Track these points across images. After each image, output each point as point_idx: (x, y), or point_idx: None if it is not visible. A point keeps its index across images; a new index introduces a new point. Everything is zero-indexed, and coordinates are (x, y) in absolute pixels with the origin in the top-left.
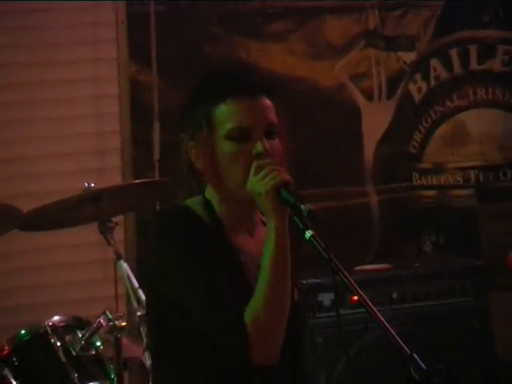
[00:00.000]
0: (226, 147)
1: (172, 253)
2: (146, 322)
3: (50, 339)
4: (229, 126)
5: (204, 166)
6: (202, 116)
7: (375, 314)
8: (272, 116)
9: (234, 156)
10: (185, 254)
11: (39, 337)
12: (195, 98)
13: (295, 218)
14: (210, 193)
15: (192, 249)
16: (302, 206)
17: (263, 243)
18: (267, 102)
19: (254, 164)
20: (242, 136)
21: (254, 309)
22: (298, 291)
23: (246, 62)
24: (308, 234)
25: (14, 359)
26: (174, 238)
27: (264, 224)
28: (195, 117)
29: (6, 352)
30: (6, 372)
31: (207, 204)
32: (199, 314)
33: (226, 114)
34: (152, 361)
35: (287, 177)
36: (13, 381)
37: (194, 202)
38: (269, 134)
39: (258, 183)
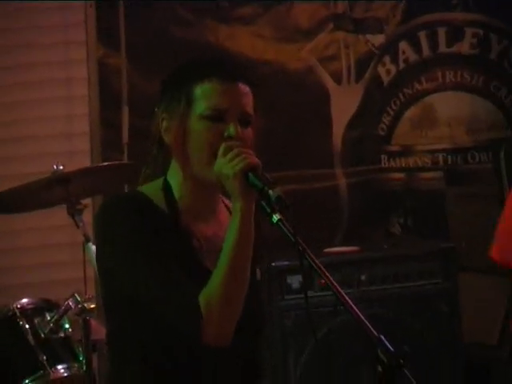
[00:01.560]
0: (198, 125)
1: (117, 241)
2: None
3: (19, 322)
4: (205, 104)
5: (173, 140)
6: (182, 91)
7: (342, 296)
8: (249, 103)
9: (204, 134)
10: (129, 240)
11: (7, 319)
12: (178, 72)
13: (262, 202)
14: (174, 172)
15: (137, 235)
16: (270, 192)
17: (224, 227)
18: (247, 88)
19: (223, 145)
20: (216, 116)
21: (209, 290)
22: (260, 271)
23: (215, 46)
24: (275, 217)
25: None
26: (118, 226)
27: (227, 208)
28: (175, 91)
29: None
30: None
31: (166, 187)
32: (150, 298)
33: (206, 92)
34: (107, 344)
35: (256, 160)
36: None
37: (149, 187)
38: (243, 122)
39: (226, 165)
